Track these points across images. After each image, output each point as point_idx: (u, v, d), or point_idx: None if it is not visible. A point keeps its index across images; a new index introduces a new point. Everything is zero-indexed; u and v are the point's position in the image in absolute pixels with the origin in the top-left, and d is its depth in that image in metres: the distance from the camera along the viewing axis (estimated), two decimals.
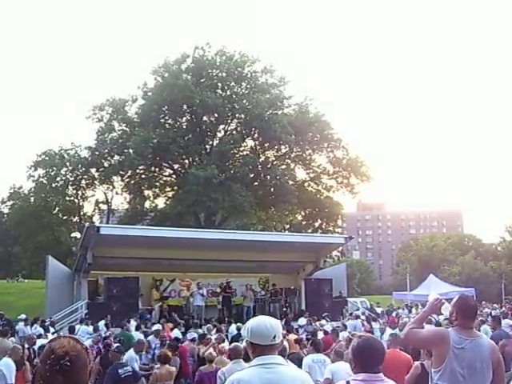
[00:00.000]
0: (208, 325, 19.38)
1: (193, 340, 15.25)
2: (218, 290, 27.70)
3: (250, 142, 44.61)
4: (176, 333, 17.73)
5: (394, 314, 27.74)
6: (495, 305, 38.34)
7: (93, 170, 43.71)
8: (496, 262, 69.53)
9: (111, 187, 45.93)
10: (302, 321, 22.03)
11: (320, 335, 15.26)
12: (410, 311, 31.56)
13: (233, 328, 18.66)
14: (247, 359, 8.37)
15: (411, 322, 5.16)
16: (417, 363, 8.22)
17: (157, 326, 17.92)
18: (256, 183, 42.78)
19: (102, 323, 19.58)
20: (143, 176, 44.41)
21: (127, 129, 43.21)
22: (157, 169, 44.35)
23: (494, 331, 13.41)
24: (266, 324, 3.81)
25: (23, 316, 22.50)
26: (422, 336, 4.91)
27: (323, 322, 21.13)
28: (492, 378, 4.70)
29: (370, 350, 3.98)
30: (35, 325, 20.60)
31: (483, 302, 38.40)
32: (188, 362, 14.01)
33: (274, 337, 3.76)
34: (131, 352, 12.50)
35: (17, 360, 9.39)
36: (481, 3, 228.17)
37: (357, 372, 3.93)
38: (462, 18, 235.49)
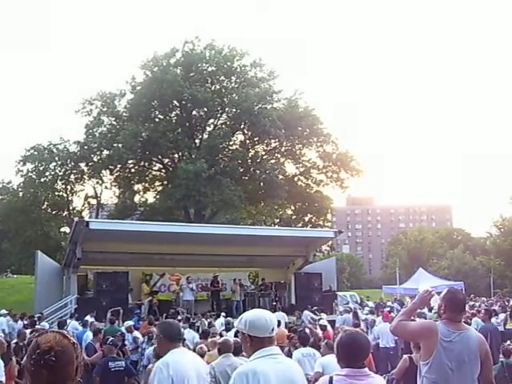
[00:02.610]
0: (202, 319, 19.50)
1: None
2: (209, 284, 27.73)
3: (239, 137, 44.60)
4: None
5: (387, 309, 27.49)
6: (484, 298, 38.51)
7: (82, 165, 43.46)
8: (485, 257, 69.84)
9: (100, 182, 45.76)
10: (307, 315, 21.88)
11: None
12: (401, 305, 31.48)
13: (219, 322, 18.71)
14: (237, 353, 8.40)
15: (400, 314, 5.18)
16: (405, 356, 8.27)
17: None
18: (246, 177, 42.76)
19: (88, 317, 19.40)
20: (133, 170, 44.32)
21: (116, 123, 43.08)
22: (146, 163, 44.24)
23: (483, 324, 13.54)
24: (266, 317, 3.90)
25: (4, 311, 22.47)
26: (411, 328, 4.92)
27: (314, 316, 21.09)
28: (480, 370, 4.73)
29: (354, 344, 3.99)
30: (22, 320, 20.58)
31: (471, 296, 38.57)
32: None
33: (272, 329, 3.86)
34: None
35: (3, 355, 9.32)
36: (481, 3, 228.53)
37: (341, 367, 3.94)
38: (453, 13, 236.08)
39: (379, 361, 15.20)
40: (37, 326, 16.81)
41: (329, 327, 16.56)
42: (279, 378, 3.73)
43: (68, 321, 19.01)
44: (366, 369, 3.97)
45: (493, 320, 17.95)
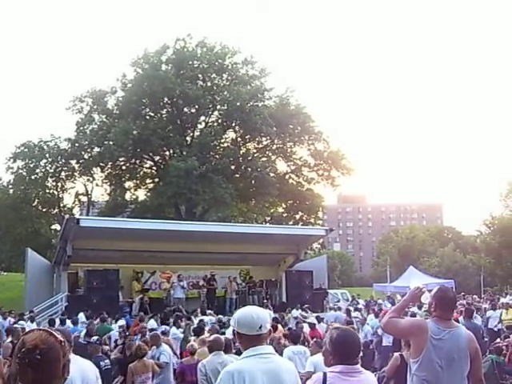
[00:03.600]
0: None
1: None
2: (201, 282, 27.72)
3: (230, 134, 44.57)
4: (152, 324, 17.60)
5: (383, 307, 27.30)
6: (475, 296, 38.51)
7: (73, 162, 43.36)
8: (475, 255, 70.03)
9: (91, 179, 45.68)
10: (295, 313, 21.92)
11: (305, 328, 15.28)
12: (392, 303, 31.38)
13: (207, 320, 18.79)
14: (228, 351, 8.40)
15: (391, 311, 5.17)
16: (396, 354, 8.27)
17: (121, 322, 17.86)
18: (237, 175, 42.72)
19: (81, 315, 19.37)
20: (123, 168, 44.17)
21: (107, 120, 42.94)
22: (137, 160, 44.11)
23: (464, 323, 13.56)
24: (253, 314, 3.87)
25: None
26: (401, 326, 4.92)
27: (305, 313, 21.12)
28: (470, 368, 4.73)
29: (348, 342, 4.00)
30: (9, 318, 20.50)
31: (462, 294, 38.62)
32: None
33: (260, 327, 3.81)
34: None
35: None
36: (480, 3, 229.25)
37: (334, 364, 3.92)
38: (448, 12, 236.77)
39: (381, 359, 15.23)
40: (15, 325, 16.75)
41: (318, 326, 16.58)
42: (266, 378, 3.70)
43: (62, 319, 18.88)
44: (359, 365, 3.98)
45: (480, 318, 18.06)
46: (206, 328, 14.19)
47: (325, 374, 3.88)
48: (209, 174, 38.21)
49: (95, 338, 11.66)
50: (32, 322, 18.78)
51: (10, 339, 13.01)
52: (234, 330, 3.97)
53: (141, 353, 10.42)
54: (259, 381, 3.68)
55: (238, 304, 25.70)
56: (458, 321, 12.02)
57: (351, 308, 24.17)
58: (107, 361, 10.42)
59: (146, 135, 38.89)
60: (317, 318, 18.60)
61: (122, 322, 18.01)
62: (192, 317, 20.34)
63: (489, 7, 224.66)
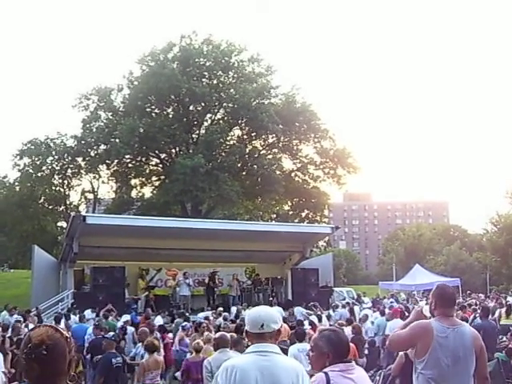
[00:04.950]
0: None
1: (184, 328, 15.25)
2: (206, 279, 27.72)
3: (237, 132, 44.56)
4: (158, 320, 17.67)
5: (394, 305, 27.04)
6: (481, 295, 38.47)
7: (79, 159, 43.45)
8: (481, 253, 69.88)
9: (97, 176, 45.79)
10: (299, 311, 21.91)
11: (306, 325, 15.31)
12: (397, 301, 31.39)
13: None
14: (238, 348, 8.42)
15: (394, 331, 5.20)
16: (401, 353, 8.28)
17: (125, 317, 17.91)
18: (243, 173, 42.70)
19: (88, 312, 19.40)
20: (130, 165, 44.24)
21: (113, 118, 42.99)
22: (143, 158, 44.15)
23: (479, 321, 13.57)
24: (258, 313, 3.95)
25: None
26: (405, 335, 4.88)
27: (310, 311, 21.10)
28: (475, 365, 4.73)
29: (345, 340, 4.12)
30: (15, 315, 20.53)
31: (468, 292, 38.55)
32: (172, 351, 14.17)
33: (262, 325, 3.85)
34: None
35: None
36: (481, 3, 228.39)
37: (330, 364, 3.94)
38: (451, 12, 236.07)
39: (387, 357, 15.20)
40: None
41: (322, 323, 16.60)
42: (260, 376, 3.71)
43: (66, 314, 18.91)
44: (353, 362, 4.04)
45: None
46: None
47: (326, 373, 3.90)
48: (215, 171, 38.19)
49: (111, 333, 11.62)
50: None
51: (8, 334, 13.11)
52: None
53: (153, 348, 10.31)
54: (252, 377, 3.71)
55: (242, 301, 25.75)
56: (467, 320, 12.08)
57: (356, 307, 24.18)
58: (119, 358, 10.36)
59: (152, 133, 38.91)
60: (317, 316, 18.61)
61: (126, 317, 18.05)
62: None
63: (489, 7, 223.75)
